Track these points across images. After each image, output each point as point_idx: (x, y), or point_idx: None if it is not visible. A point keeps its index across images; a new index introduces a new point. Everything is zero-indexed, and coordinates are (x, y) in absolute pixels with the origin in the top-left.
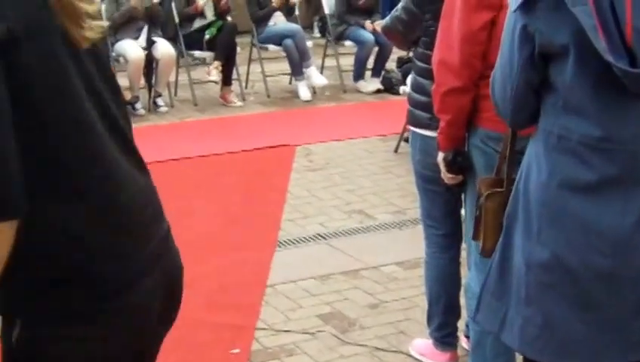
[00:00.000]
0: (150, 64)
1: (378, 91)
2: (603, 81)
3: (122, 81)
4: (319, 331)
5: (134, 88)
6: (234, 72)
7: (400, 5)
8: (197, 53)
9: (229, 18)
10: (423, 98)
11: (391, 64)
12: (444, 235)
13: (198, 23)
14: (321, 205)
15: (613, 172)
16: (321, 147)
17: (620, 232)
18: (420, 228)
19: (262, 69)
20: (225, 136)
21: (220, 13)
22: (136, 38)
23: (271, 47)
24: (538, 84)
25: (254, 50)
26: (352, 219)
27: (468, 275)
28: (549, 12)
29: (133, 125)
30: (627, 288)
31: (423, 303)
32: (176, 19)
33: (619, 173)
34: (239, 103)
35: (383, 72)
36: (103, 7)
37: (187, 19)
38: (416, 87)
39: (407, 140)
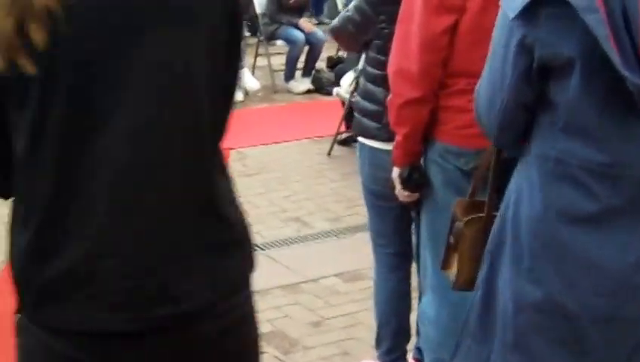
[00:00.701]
0: None
1: (309, 91)
2: (611, 98)
3: None
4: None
5: None
6: None
7: (352, 4)
8: None
9: None
10: (372, 106)
11: (320, 64)
12: (394, 254)
13: None
14: (257, 213)
15: (617, 202)
16: (255, 151)
17: (621, 269)
18: (358, 236)
19: (269, 66)
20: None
21: None
22: None
23: (279, 42)
24: (532, 101)
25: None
26: (289, 227)
27: (422, 300)
28: (554, 20)
29: None
30: (627, 331)
31: (367, 320)
32: None
33: (624, 203)
34: (240, 97)
35: (313, 72)
36: None
37: None
38: (365, 94)
39: (340, 143)
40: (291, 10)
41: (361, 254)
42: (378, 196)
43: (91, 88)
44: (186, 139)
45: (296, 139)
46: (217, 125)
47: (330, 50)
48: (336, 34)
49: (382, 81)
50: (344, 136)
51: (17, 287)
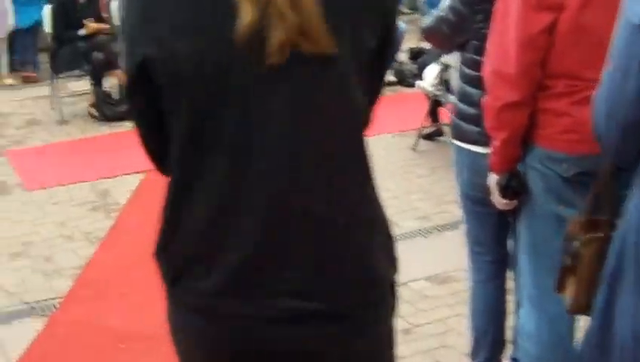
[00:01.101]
0: None
1: (390, 83)
2: None
3: None
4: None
5: None
6: None
7: (446, 5)
8: None
9: None
10: (471, 110)
11: (402, 55)
12: (492, 262)
13: None
14: None
15: None
16: None
17: None
18: (447, 236)
19: None
20: None
21: None
22: None
23: None
24: None
25: None
26: None
27: (520, 312)
28: None
29: None
30: None
31: (458, 326)
32: None
33: None
34: None
35: (395, 64)
36: (113, 4)
37: None
38: (463, 97)
39: (425, 137)
40: None
41: (450, 255)
42: (477, 202)
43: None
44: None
45: (380, 134)
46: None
47: (411, 41)
48: (430, 35)
49: (481, 83)
50: (429, 130)
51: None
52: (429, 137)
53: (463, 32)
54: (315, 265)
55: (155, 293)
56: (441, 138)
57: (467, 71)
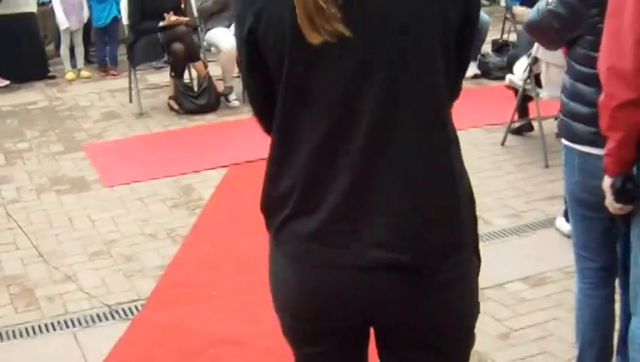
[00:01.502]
0: None
1: (475, 76)
2: None
3: (214, 71)
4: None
5: (227, 78)
6: None
7: None
8: None
9: None
10: (584, 109)
11: (486, 47)
12: (601, 269)
13: None
14: None
15: None
16: None
17: None
18: (540, 234)
19: None
20: None
21: None
22: (228, 26)
23: None
24: None
25: None
26: None
27: (633, 321)
28: None
29: (228, 118)
30: None
31: (557, 330)
32: None
33: None
34: None
35: (479, 56)
36: None
37: None
38: (574, 96)
39: (514, 132)
40: None
41: (544, 255)
42: (588, 206)
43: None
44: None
45: (468, 128)
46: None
47: (494, 33)
48: (535, 30)
49: (594, 81)
50: (517, 124)
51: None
52: (517, 132)
53: (575, 28)
54: (402, 219)
55: (242, 295)
56: (530, 133)
57: (579, 67)
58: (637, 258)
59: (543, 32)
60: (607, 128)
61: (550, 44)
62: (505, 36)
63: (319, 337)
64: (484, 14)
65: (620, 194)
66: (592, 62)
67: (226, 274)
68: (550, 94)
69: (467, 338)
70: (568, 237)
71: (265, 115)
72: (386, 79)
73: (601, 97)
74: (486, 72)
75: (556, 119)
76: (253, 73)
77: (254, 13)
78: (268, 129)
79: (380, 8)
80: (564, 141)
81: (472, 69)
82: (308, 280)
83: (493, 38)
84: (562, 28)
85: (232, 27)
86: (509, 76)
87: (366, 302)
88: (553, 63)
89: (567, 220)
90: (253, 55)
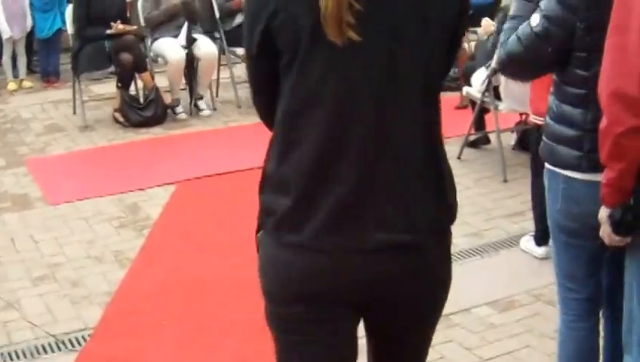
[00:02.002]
0: (191, 63)
1: None
2: None
3: (161, 82)
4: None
5: (174, 90)
6: None
7: (534, 17)
8: (240, 51)
9: None
10: (571, 131)
11: None
12: (586, 300)
13: (240, 18)
14: None
15: None
16: None
17: None
18: (503, 255)
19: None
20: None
21: None
22: (176, 36)
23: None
24: None
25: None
26: None
27: (626, 358)
28: None
29: (175, 131)
30: None
31: (530, 359)
32: (217, 15)
33: None
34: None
35: None
36: (140, 3)
37: (229, 14)
38: (559, 117)
39: (470, 145)
40: None
41: (510, 277)
42: (572, 234)
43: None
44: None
45: None
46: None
47: None
48: (521, 62)
49: (583, 101)
50: (473, 137)
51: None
52: (473, 145)
53: (567, 46)
54: (401, 203)
55: (195, 323)
56: (487, 146)
57: (566, 87)
58: (632, 292)
59: (532, 61)
60: (608, 157)
61: (538, 72)
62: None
63: (316, 323)
64: None
65: (618, 226)
66: (580, 82)
67: (178, 300)
68: (509, 107)
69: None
70: (546, 258)
71: (270, 109)
72: (384, 67)
73: (603, 123)
74: None
75: (513, 132)
76: (262, 65)
77: (270, 10)
78: (271, 121)
79: (398, 9)
80: (547, 166)
81: None
82: (314, 266)
83: None
84: (555, 49)
85: (180, 37)
86: (466, 88)
87: (370, 283)
88: None
89: (538, 242)
90: (265, 49)
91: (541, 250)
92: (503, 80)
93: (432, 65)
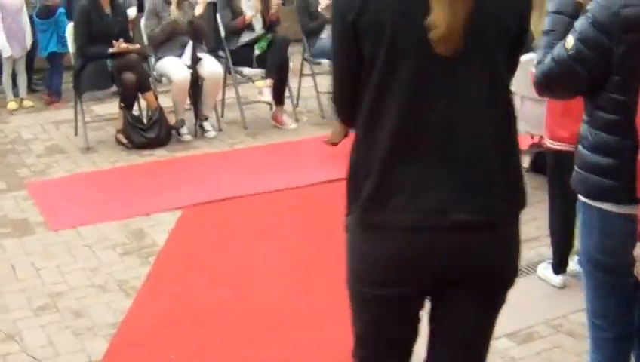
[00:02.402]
0: (195, 83)
1: None
2: None
3: (165, 102)
4: None
5: (179, 111)
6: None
7: (569, 38)
8: (246, 71)
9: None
10: (607, 160)
11: None
12: (616, 339)
13: (245, 37)
14: None
15: None
16: None
17: None
18: (519, 282)
19: (315, 87)
20: (281, 167)
21: (269, 25)
22: (180, 55)
23: (324, 61)
24: None
25: (305, 64)
26: None
27: None
28: None
29: (180, 153)
30: None
31: None
32: (222, 34)
33: None
34: (293, 125)
35: None
36: (143, 21)
37: (234, 33)
38: (594, 146)
39: None
40: None
41: (528, 306)
42: (607, 270)
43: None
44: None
45: None
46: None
47: None
48: (555, 83)
49: (619, 128)
50: None
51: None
52: None
53: (603, 70)
54: (476, 185)
55: (204, 356)
56: None
57: (600, 114)
58: None
59: (565, 83)
60: None
61: (573, 94)
62: None
63: (391, 300)
64: None
65: None
66: (616, 107)
67: (185, 332)
68: (524, 129)
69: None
70: (560, 287)
71: (350, 105)
72: (457, 69)
73: None
74: None
75: (526, 154)
76: (346, 63)
77: (356, 10)
78: (349, 117)
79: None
80: (581, 198)
81: None
82: (395, 244)
83: None
84: (590, 73)
85: (184, 57)
86: None
87: (446, 259)
88: (528, 97)
89: (556, 270)
90: (350, 48)
91: (559, 279)
92: (518, 102)
93: (502, 64)
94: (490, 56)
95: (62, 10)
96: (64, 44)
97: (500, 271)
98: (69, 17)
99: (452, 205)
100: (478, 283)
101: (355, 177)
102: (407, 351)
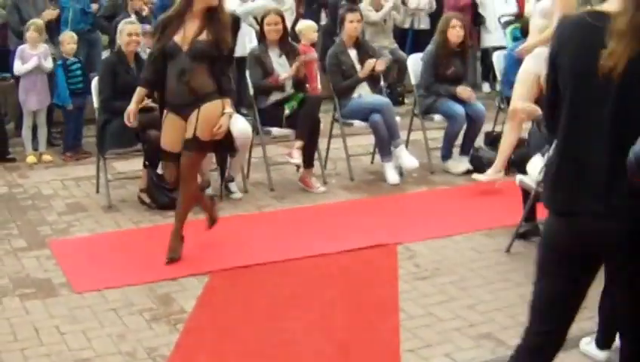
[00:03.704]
0: None
1: (467, 172)
2: None
3: None
4: None
5: (204, 171)
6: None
7: None
8: (275, 131)
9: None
10: None
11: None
12: None
13: (276, 96)
14: (442, 328)
15: None
16: (423, 247)
17: None
18: (561, 357)
19: (345, 149)
20: (311, 232)
21: (299, 84)
22: None
23: (356, 122)
24: None
25: (335, 124)
26: (483, 347)
27: None
28: None
29: (203, 214)
30: None
31: None
32: (251, 92)
33: None
34: (322, 188)
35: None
36: None
37: (264, 92)
38: None
39: (519, 236)
40: (448, 81)
41: None
42: None
43: None
44: None
45: (468, 232)
46: None
47: (487, 124)
48: None
49: None
50: (523, 228)
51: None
52: (522, 236)
53: None
54: (621, 184)
55: None
56: (537, 238)
57: None
58: None
59: None
60: None
61: None
62: (498, 128)
63: (564, 267)
64: (479, 105)
65: None
66: None
67: None
68: None
69: None
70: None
71: (555, 118)
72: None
73: None
74: (479, 168)
75: None
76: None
77: (556, 50)
78: (553, 127)
79: None
80: None
81: (464, 164)
82: (567, 225)
83: (486, 130)
84: None
85: None
86: (519, 177)
87: (604, 237)
88: None
89: (600, 346)
90: (553, 78)
91: (603, 354)
92: None
93: None
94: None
95: (74, 59)
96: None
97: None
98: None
99: (610, 196)
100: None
101: (557, 181)
102: None
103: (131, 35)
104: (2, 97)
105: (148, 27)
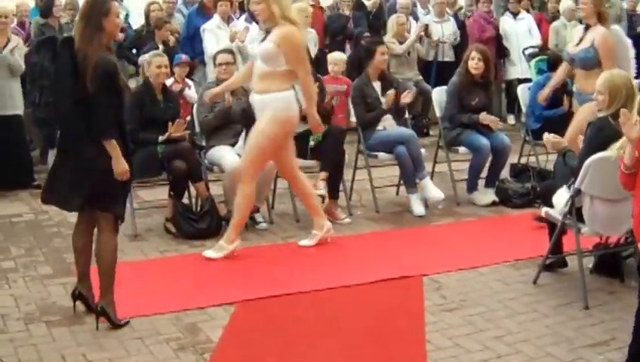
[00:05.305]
0: None
1: (493, 203)
2: None
3: (215, 190)
4: None
5: (230, 202)
6: None
7: None
8: (300, 162)
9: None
10: None
11: (504, 172)
12: None
13: (301, 128)
14: (469, 359)
15: None
16: (450, 278)
17: None
18: None
19: (370, 181)
20: (337, 263)
21: (324, 116)
22: (233, 144)
23: (381, 155)
24: None
25: (360, 156)
26: None
27: None
28: None
29: None
30: None
31: None
32: None
33: None
34: (347, 220)
35: (497, 182)
36: (195, 107)
37: None
38: None
39: (545, 268)
40: (473, 112)
41: None
42: None
43: None
44: None
45: (494, 264)
46: None
47: (512, 157)
48: None
49: None
50: (549, 260)
51: None
52: (548, 268)
53: None
54: None
55: None
56: (563, 269)
57: None
58: None
59: None
60: None
61: None
62: (523, 160)
63: None
64: (504, 137)
65: None
66: None
67: None
68: (593, 230)
69: None
70: None
71: None
72: None
73: None
74: (505, 200)
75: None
76: None
77: None
78: None
79: None
80: None
81: (490, 196)
82: None
83: (511, 162)
84: None
85: (237, 145)
86: (545, 209)
87: None
88: (598, 197)
89: None
90: None
91: None
92: (587, 202)
93: None
94: None
95: None
96: None
97: None
98: None
99: None
100: None
101: None
102: None
103: (160, 67)
104: (28, 125)
105: (184, 57)
